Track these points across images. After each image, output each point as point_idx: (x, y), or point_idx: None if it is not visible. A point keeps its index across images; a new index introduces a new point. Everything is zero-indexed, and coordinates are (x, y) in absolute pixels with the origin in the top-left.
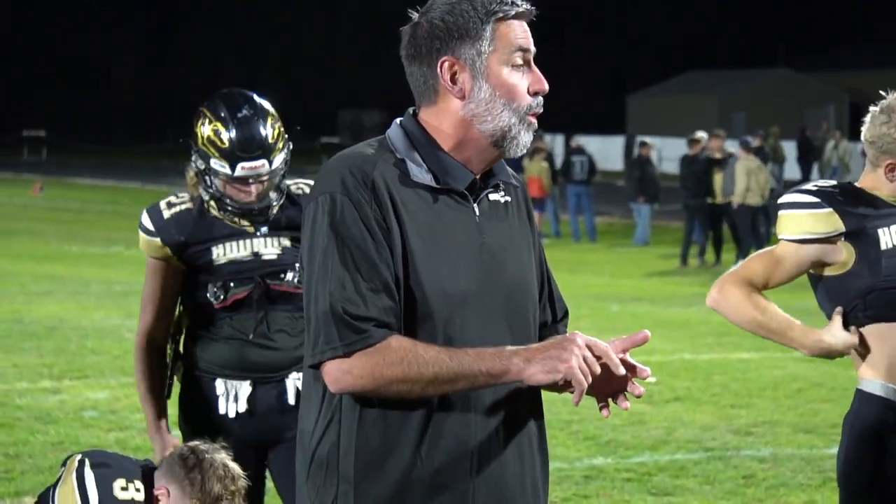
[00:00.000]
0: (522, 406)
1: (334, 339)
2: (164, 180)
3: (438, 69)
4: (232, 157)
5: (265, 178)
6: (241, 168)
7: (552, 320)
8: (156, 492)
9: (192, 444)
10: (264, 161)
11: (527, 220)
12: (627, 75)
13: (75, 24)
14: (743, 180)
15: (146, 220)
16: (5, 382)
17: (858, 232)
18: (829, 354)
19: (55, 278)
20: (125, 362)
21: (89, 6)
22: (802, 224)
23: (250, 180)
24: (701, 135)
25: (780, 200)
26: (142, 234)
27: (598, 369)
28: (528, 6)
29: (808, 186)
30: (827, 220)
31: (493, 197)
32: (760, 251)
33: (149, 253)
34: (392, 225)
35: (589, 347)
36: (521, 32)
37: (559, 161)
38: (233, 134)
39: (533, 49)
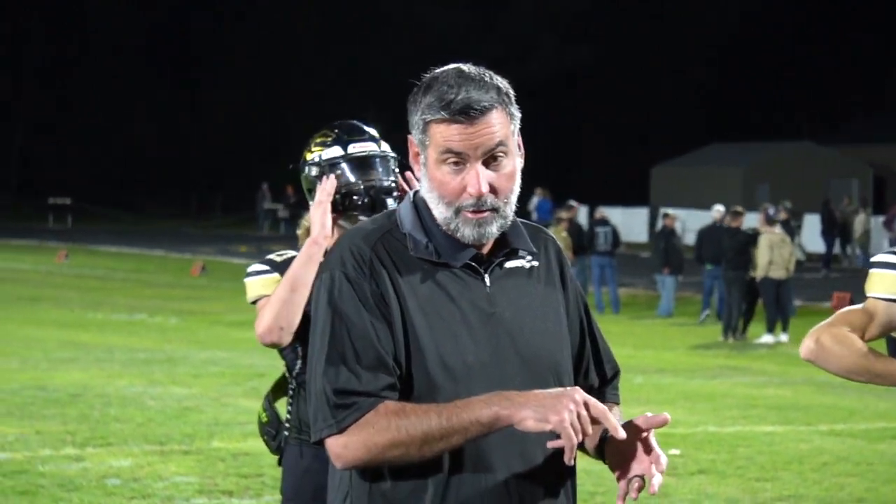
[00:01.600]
0: (544, 473)
1: (329, 417)
2: (187, 248)
3: (408, 146)
4: (340, 140)
5: (380, 156)
6: (353, 147)
7: (600, 383)
8: None
9: None
10: (373, 143)
11: (558, 281)
12: (651, 147)
13: (99, 93)
14: (766, 254)
15: (258, 265)
16: (28, 450)
17: None
18: None
19: (79, 345)
20: (148, 430)
21: (114, 75)
22: (889, 283)
23: (367, 160)
24: (740, 208)
25: (872, 259)
26: (253, 280)
27: (589, 429)
28: (468, 108)
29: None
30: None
31: (511, 264)
32: (849, 307)
33: (264, 292)
34: (391, 301)
35: (586, 405)
36: (452, 135)
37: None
38: (336, 131)
39: (469, 152)
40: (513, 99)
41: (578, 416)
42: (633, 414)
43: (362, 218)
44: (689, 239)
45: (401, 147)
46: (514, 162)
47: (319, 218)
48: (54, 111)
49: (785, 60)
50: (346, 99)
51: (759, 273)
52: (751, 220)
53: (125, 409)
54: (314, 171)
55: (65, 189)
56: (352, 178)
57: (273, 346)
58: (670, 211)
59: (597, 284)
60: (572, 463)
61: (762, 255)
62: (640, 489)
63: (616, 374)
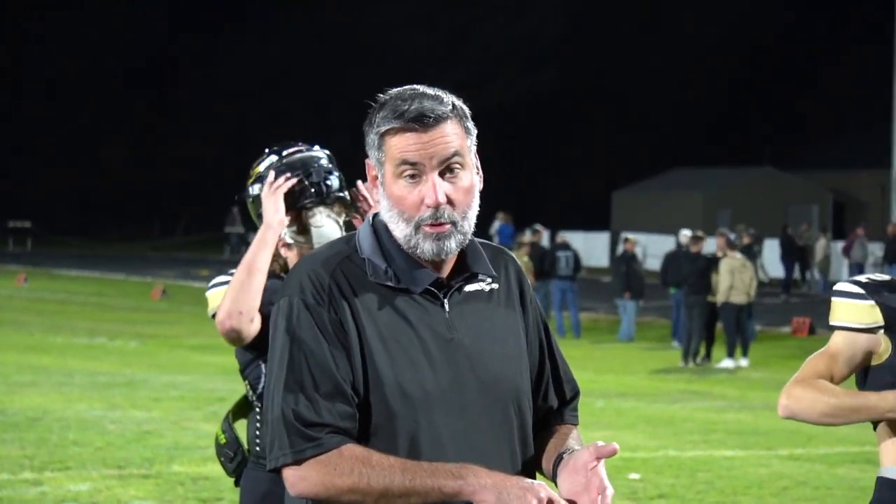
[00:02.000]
0: None
1: (285, 445)
2: (147, 272)
3: (367, 171)
4: (274, 152)
5: (315, 154)
6: (287, 152)
7: (559, 403)
8: None
9: None
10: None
11: (518, 302)
12: (613, 172)
13: (61, 116)
14: (727, 278)
15: (222, 277)
16: None
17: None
18: None
19: (39, 369)
20: (107, 454)
21: (77, 98)
22: (846, 313)
23: (304, 158)
24: (700, 233)
25: (834, 287)
26: (216, 291)
27: None
28: (423, 116)
29: (859, 278)
30: (868, 312)
31: (470, 288)
32: (815, 354)
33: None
34: (350, 328)
35: (550, 503)
36: (407, 145)
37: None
38: (268, 149)
39: (424, 161)
40: (468, 115)
41: None
42: (593, 438)
43: (319, 214)
44: (650, 263)
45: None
46: (472, 177)
47: (273, 204)
48: (14, 134)
49: (747, 86)
50: (310, 123)
51: (719, 298)
52: (711, 245)
53: (84, 433)
54: (256, 188)
55: (25, 212)
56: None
57: (232, 332)
58: (631, 235)
59: (558, 309)
60: None
61: (723, 279)
62: None
63: (576, 394)
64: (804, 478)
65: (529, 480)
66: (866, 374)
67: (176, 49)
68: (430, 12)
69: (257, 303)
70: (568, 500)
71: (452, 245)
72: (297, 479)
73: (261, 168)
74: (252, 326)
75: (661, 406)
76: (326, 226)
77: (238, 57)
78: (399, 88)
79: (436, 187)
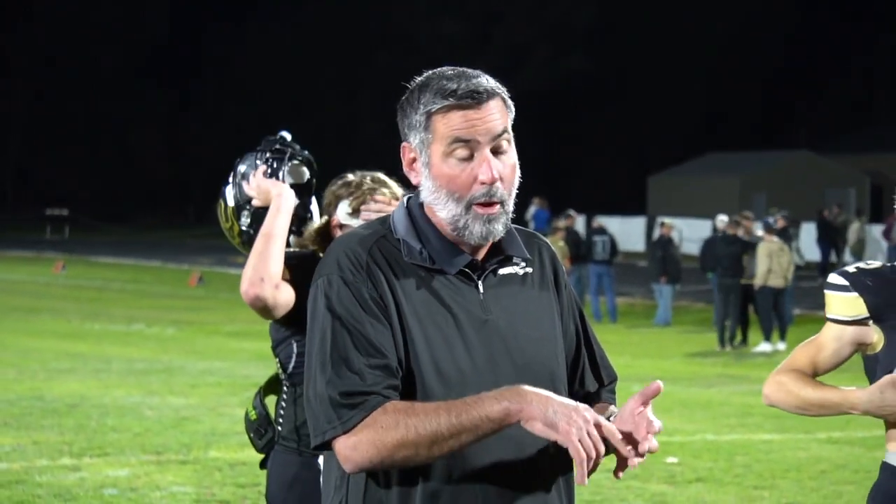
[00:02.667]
0: (539, 476)
1: (333, 418)
2: (184, 259)
3: (402, 153)
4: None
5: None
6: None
7: (598, 387)
8: None
9: None
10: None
11: (552, 287)
12: (649, 156)
13: (97, 104)
14: (765, 262)
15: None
16: (25, 460)
17: (885, 317)
18: (885, 408)
19: (77, 356)
20: (145, 440)
21: (111, 86)
22: (834, 305)
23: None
24: (738, 217)
25: (827, 280)
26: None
27: (602, 448)
28: (473, 92)
29: (848, 268)
30: (853, 304)
31: (504, 271)
32: (805, 341)
33: None
34: (389, 304)
35: (597, 426)
36: (460, 123)
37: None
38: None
39: (479, 138)
40: (508, 96)
41: (589, 434)
42: None
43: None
44: (687, 248)
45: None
46: (515, 155)
47: (269, 182)
48: (52, 122)
49: (783, 70)
50: (342, 111)
51: (757, 281)
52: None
53: (122, 420)
54: (241, 189)
55: (62, 200)
56: (245, 166)
57: (257, 301)
58: (667, 220)
59: (594, 293)
60: (585, 483)
61: (761, 263)
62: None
63: (613, 380)
64: (843, 461)
65: (573, 402)
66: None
67: (205, 37)
68: None
69: (279, 268)
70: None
71: (500, 228)
72: (349, 449)
73: (228, 190)
74: (278, 294)
75: (698, 390)
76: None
77: (267, 43)
78: (437, 69)
79: (491, 164)
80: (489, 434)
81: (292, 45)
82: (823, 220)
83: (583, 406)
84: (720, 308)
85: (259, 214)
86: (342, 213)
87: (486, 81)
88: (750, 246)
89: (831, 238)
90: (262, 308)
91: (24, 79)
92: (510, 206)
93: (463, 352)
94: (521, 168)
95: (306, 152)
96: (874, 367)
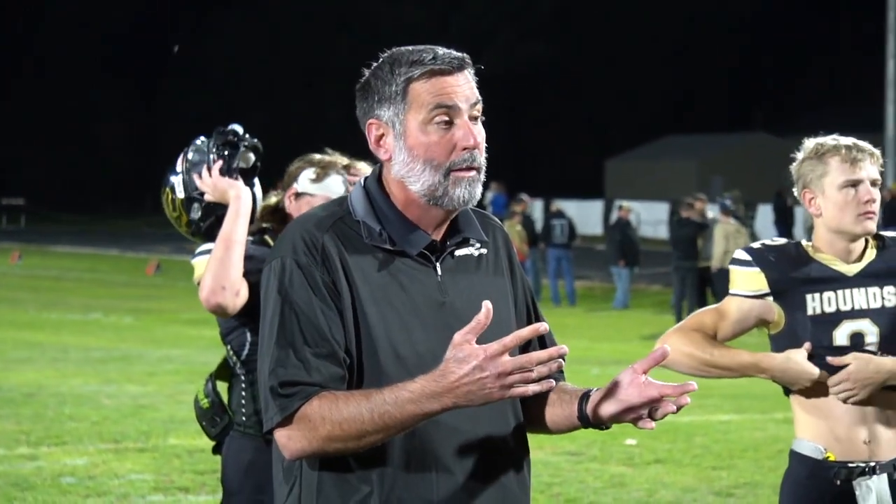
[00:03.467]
0: (496, 459)
1: (273, 407)
2: (142, 248)
3: (367, 132)
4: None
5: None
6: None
7: None
8: None
9: None
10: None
11: (507, 269)
12: (606, 140)
13: (53, 93)
14: (721, 244)
15: (209, 245)
16: None
17: (785, 294)
18: (794, 375)
19: (34, 345)
20: (103, 428)
21: (70, 75)
22: (736, 280)
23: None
24: (690, 199)
25: (733, 256)
26: (203, 258)
27: (537, 372)
28: (450, 59)
29: (754, 244)
30: (754, 279)
31: (461, 252)
32: (704, 308)
33: None
34: (343, 289)
35: (496, 357)
36: (438, 89)
37: (539, 225)
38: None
39: (460, 104)
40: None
41: (509, 373)
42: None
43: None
44: (644, 231)
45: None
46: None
47: (226, 182)
48: (8, 111)
49: (740, 52)
50: (303, 97)
51: (714, 263)
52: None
53: (80, 408)
54: (179, 190)
55: (18, 190)
56: (196, 156)
57: (218, 309)
58: (625, 203)
59: (553, 277)
60: (547, 386)
61: (718, 245)
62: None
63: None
64: None
65: (465, 361)
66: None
67: (167, 26)
68: None
69: (239, 275)
70: (635, 412)
71: (477, 192)
72: (285, 438)
73: (174, 176)
74: (237, 300)
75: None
76: (335, 182)
77: (230, 32)
78: (399, 48)
79: (472, 129)
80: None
81: (255, 34)
82: (782, 201)
83: (472, 359)
84: (678, 290)
85: (211, 208)
86: (304, 180)
87: (458, 52)
88: (703, 228)
89: (787, 220)
90: (221, 313)
91: None
92: (483, 175)
93: (420, 334)
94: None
95: (256, 141)
96: (783, 344)
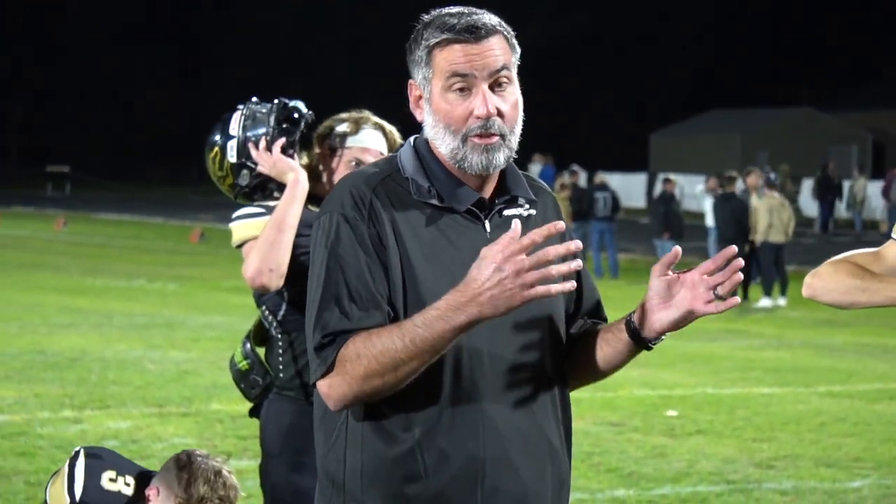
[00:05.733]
0: (542, 417)
1: (316, 359)
2: (186, 215)
3: (409, 93)
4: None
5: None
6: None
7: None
8: (147, 491)
9: (190, 449)
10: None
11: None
12: (650, 113)
13: (99, 60)
14: (765, 217)
15: (247, 209)
16: (27, 412)
17: None
18: None
19: (78, 311)
20: (147, 392)
21: (115, 42)
22: None
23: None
24: (734, 173)
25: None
26: (241, 223)
27: (556, 270)
28: (472, 27)
29: None
30: None
31: (509, 212)
32: (864, 249)
33: (252, 234)
34: (389, 243)
35: (521, 259)
36: (455, 57)
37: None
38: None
39: (476, 72)
40: (512, 33)
41: (525, 270)
42: (630, 377)
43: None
44: (688, 204)
45: (406, 115)
46: (518, 93)
47: (287, 163)
48: (54, 79)
49: (786, 26)
50: (345, 67)
51: (758, 237)
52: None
53: (123, 373)
54: (231, 154)
55: (63, 157)
56: (258, 128)
57: (262, 289)
58: (671, 176)
59: (596, 249)
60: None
61: (762, 219)
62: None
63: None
64: (843, 414)
65: (474, 267)
66: None
67: None
68: None
69: (287, 258)
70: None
71: (500, 158)
72: (326, 387)
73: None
74: (281, 280)
75: (700, 344)
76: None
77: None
78: (444, 8)
79: (486, 98)
80: (448, 347)
81: (299, 3)
82: (826, 176)
83: (496, 258)
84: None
85: (262, 182)
86: (336, 135)
87: (488, 18)
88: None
89: (832, 194)
90: (264, 291)
91: (26, 36)
92: (513, 141)
93: None
94: (523, 125)
95: (312, 116)
96: None
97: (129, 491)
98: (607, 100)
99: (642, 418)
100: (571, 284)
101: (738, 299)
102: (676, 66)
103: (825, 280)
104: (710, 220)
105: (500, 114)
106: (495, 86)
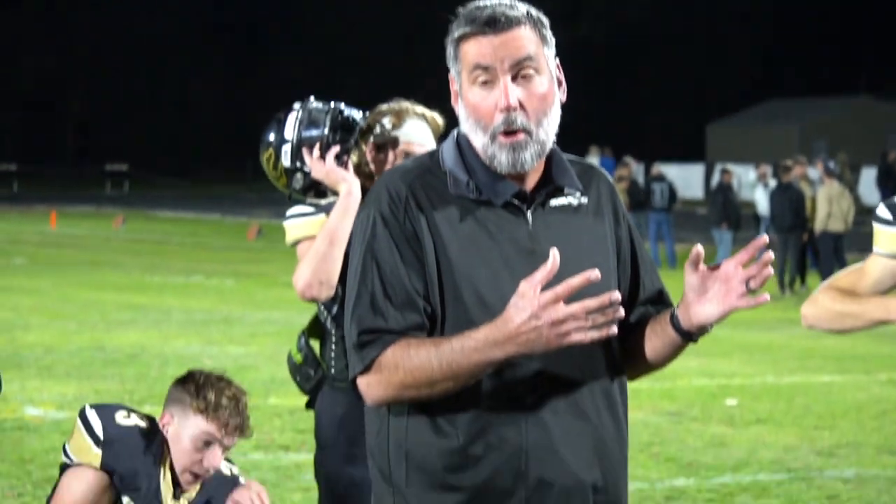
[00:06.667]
0: (589, 407)
1: (355, 357)
2: (243, 212)
3: (451, 87)
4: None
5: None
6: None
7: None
8: (161, 420)
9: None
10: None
11: (610, 217)
12: (708, 104)
13: (157, 59)
14: (825, 206)
15: (301, 207)
16: None
17: None
18: None
19: (136, 307)
20: None
21: (170, 41)
22: (878, 238)
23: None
24: (790, 162)
25: (875, 213)
26: (295, 221)
27: (592, 320)
28: (492, 19)
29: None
30: (894, 240)
31: (557, 202)
32: (847, 269)
33: (308, 233)
34: (425, 239)
35: (554, 301)
36: (480, 50)
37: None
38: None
39: (496, 64)
40: (545, 24)
41: (560, 321)
42: (688, 366)
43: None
44: (745, 194)
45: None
46: (549, 84)
47: (341, 173)
48: (111, 78)
49: (843, 15)
50: (399, 64)
51: (817, 226)
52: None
53: (182, 369)
54: (286, 159)
55: (121, 156)
56: (313, 131)
57: (312, 300)
58: (729, 166)
59: (653, 240)
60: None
61: (821, 207)
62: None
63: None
64: None
65: (513, 306)
66: None
67: None
68: None
69: (337, 271)
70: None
71: (527, 157)
72: (365, 386)
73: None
74: (331, 291)
75: (758, 333)
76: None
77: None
78: (472, 3)
79: (507, 90)
80: (485, 373)
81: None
82: (887, 164)
83: (525, 311)
84: (780, 253)
85: (317, 187)
86: (381, 130)
87: (512, 10)
88: (800, 192)
89: (893, 182)
90: (312, 300)
91: (83, 34)
92: (541, 135)
93: (508, 283)
94: (579, 117)
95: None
96: None
97: (143, 423)
98: (664, 90)
99: (701, 408)
100: (610, 330)
101: (767, 296)
102: (734, 56)
103: (817, 309)
104: (761, 209)
105: (522, 107)
106: (519, 77)
